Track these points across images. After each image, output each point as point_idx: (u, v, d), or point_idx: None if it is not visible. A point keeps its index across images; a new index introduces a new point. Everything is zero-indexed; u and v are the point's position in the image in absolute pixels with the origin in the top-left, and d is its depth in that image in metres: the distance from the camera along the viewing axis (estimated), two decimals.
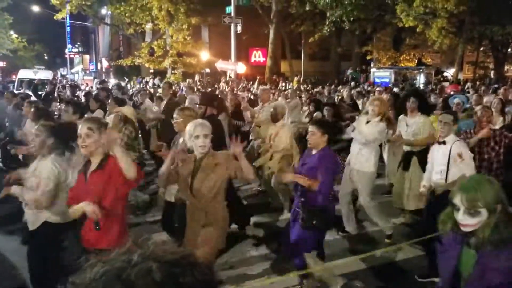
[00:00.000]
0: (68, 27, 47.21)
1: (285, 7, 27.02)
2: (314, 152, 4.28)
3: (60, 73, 50.74)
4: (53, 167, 3.51)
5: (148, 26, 27.78)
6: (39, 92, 13.93)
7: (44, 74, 26.99)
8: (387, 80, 24.89)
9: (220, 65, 21.41)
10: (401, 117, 6.19)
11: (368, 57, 31.25)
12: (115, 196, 3.20)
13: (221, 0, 24.34)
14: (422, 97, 6.30)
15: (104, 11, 32.13)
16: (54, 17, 27.77)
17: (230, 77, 21.10)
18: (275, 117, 6.36)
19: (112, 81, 26.23)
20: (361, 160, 5.54)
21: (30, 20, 42.72)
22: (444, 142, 4.66)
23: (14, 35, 33.90)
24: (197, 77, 25.38)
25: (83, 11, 27.91)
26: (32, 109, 6.13)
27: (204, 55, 27.19)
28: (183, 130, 4.16)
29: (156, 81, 23.10)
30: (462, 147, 4.57)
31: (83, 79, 35.53)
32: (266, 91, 8.77)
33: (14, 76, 36.70)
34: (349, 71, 29.25)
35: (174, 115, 4.62)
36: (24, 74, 26.60)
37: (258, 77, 21.65)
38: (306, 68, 33.20)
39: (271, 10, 27.13)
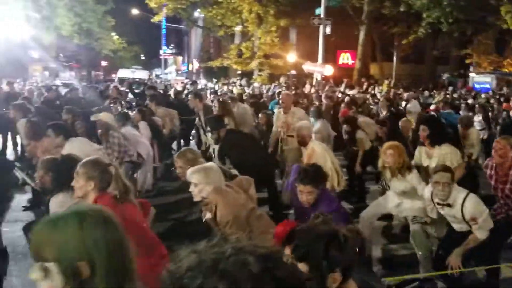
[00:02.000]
0: (164, 30, 49.93)
1: (378, 8, 26.00)
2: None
3: (155, 73, 53.81)
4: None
5: (238, 28, 28.28)
6: (136, 91, 14.79)
7: (140, 74, 28.84)
8: (487, 86, 23.03)
9: (308, 67, 21.14)
10: (419, 148, 5.24)
11: (467, 61, 29.07)
12: None
13: (310, 2, 24.06)
14: (434, 124, 5.21)
15: (197, 14, 33.33)
16: (152, 20, 29.34)
17: (316, 79, 20.72)
18: (303, 141, 5.30)
19: (202, 82, 27.13)
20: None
21: (129, 23, 45.71)
22: (449, 205, 3.88)
23: (116, 37, 36.31)
24: (282, 79, 25.34)
25: (178, 14, 29.16)
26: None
27: (291, 56, 27.06)
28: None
29: (243, 82, 23.40)
30: (476, 208, 3.77)
31: (175, 79, 37.29)
32: (289, 96, 7.31)
33: (113, 75, 39.54)
34: (446, 75, 27.52)
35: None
36: (123, 73, 28.59)
37: (345, 80, 21.03)
38: (398, 71, 31.67)
39: (362, 11, 26.26)
